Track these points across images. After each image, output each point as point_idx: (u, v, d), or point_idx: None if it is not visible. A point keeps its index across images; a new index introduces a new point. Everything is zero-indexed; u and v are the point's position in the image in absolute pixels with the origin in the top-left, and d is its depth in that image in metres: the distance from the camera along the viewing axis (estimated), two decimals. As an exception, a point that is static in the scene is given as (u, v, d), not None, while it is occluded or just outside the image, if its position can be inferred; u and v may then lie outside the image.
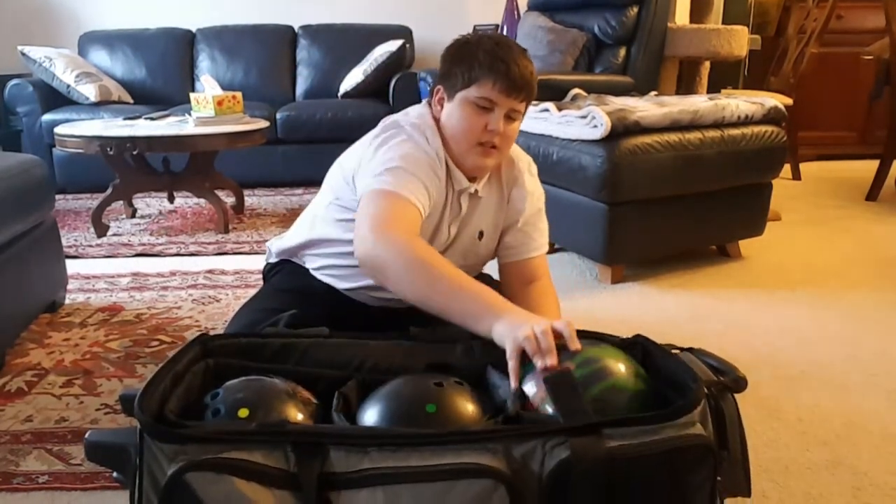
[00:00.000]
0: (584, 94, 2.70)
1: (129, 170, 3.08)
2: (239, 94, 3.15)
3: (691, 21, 3.61)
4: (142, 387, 0.82)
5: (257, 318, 1.24)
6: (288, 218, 3.25)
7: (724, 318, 2.05)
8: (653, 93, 2.86)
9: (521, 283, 1.37)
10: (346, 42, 4.30)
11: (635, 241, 2.31)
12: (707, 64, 3.37)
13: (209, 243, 2.87)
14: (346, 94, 4.09)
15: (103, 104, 3.91)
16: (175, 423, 0.77)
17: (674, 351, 0.94)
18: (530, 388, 0.88)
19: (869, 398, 1.58)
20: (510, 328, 0.92)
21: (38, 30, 4.45)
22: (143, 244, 2.88)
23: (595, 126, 2.14)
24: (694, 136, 2.27)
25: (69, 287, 2.26)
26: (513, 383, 0.89)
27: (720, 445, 0.81)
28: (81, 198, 3.79)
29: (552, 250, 2.67)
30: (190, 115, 3.10)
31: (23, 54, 3.89)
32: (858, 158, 4.54)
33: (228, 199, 3.38)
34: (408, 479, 0.73)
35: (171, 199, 3.53)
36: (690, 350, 0.94)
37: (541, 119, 2.41)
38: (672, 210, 2.34)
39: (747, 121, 2.39)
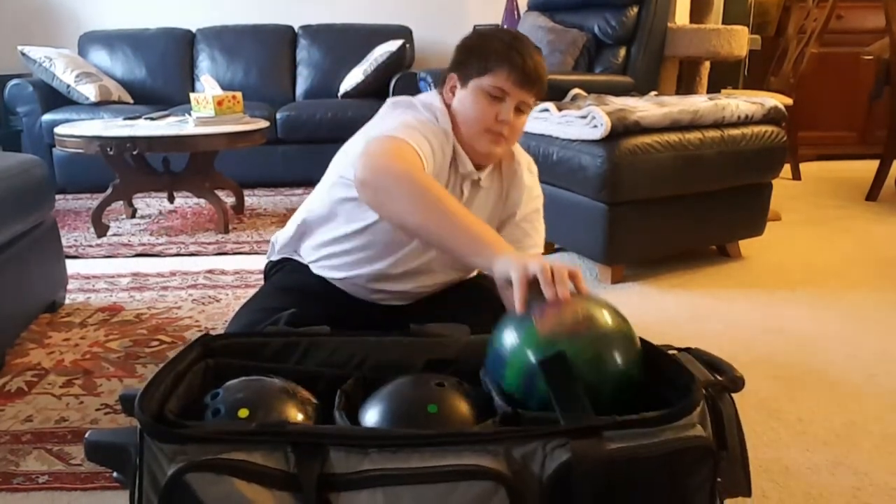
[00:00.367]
0: (584, 94, 2.70)
1: (129, 170, 3.08)
2: (239, 94, 3.15)
3: (691, 21, 3.61)
4: (142, 387, 0.82)
5: (257, 318, 1.24)
6: (288, 218, 3.24)
7: (724, 318, 2.05)
8: (653, 93, 2.86)
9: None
10: (346, 42, 4.30)
11: (635, 241, 2.31)
12: (707, 64, 3.37)
13: (209, 243, 2.87)
14: (346, 94, 4.09)
15: (103, 104, 3.91)
16: (175, 424, 0.77)
17: (671, 351, 0.94)
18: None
19: (869, 398, 1.58)
20: (518, 259, 0.91)
21: (38, 30, 4.45)
22: (143, 244, 2.88)
23: (595, 126, 2.14)
24: (694, 136, 2.27)
25: (69, 287, 2.26)
26: (519, 309, 0.87)
27: (719, 445, 0.81)
28: (81, 198, 3.79)
29: (552, 250, 2.67)
30: (190, 115, 3.10)
31: (23, 54, 3.90)
32: (858, 158, 4.55)
33: (228, 199, 3.38)
34: (408, 480, 0.73)
35: (171, 199, 3.53)
36: (688, 350, 0.94)
37: (541, 119, 2.41)
38: (672, 210, 2.34)
39: (747, 121, 2.39)
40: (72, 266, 2.39)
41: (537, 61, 1.23)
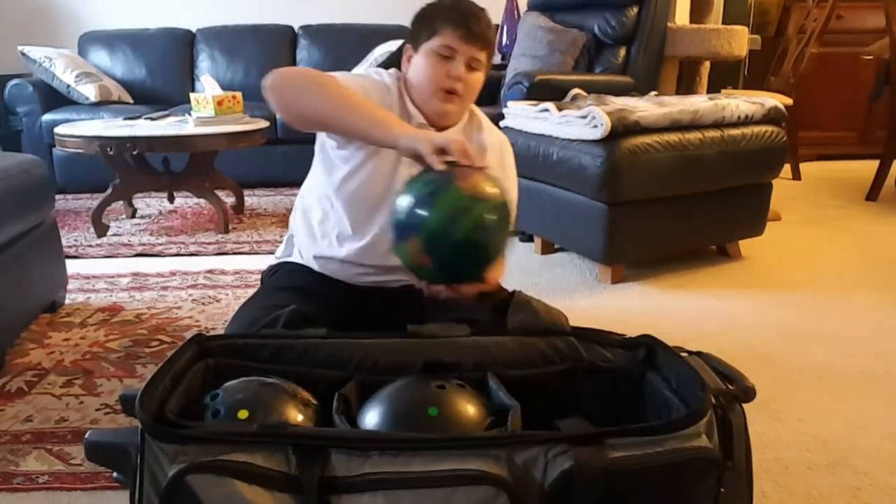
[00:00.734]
0: (584, 94, 2.70)
1: (129, 170, 3.08)
2: (239, 94, 3.15)
3: (691, 21, 3.61)
4: (142, 387, 0.82)
5: (258, 315, 1.24)
6: (288, 217, 3.25)
7: (724, 318, 2.05)
8: (653, 93, 2.86)
9: None
10: (346, 42, 4.30)
11: (635, 241, 2.31)
12: (707, 64, 3.37)
13: (209, 243, 2.87)
14: (346, 94, 4.08)
15: (103, 104, 3.90)
16: (176, 424, 0.77)
17: (682, 354, 0.93)
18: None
19: (869, 398, 1.58)
20: (423, 134, 1.06)
21: (38, 30, 4.45)
22: (143, 244, 2.88)
23: (595, 126, 2.14)
24: (694, 136, 2.27)
25: (69, 287, 2.26)
26: (438, 167, 1.00)
27: (725, 455, 0.80)
28: (81, 198, 3.79)
29: (552, 250, 2.67)
30: (190, 115, 3.09)
31: (23, 54, 3.89)
32: (858, 158, 4.55)
33: (228, 199, 3.38)
34: (409, 484, 0.73)
35: (171, 199, 3.53)
36: (699, 354, 0.94)
37: (541, 119, 2.41)
38: (672, 210, 2.34)
39: (747, 121, 2.39)
40: (72, 266, 2.39)
41: (482, 18, 1.29)
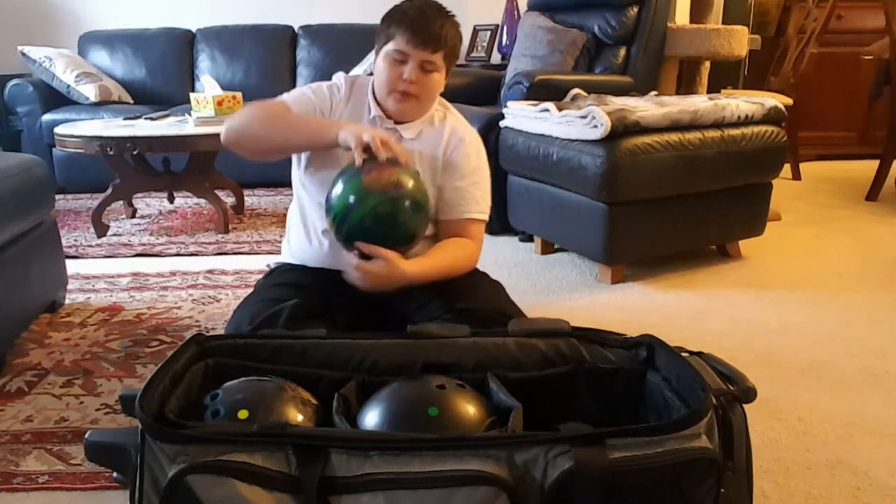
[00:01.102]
0: (584, 94, 2.70)
1: (129, 170, 3.08)
2: (239, 94, 3.15)
3: (691, 21, 3.61)
4: (142, 387, 0.82)
5: (260, 309, 1.25)
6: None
7: (724, 318, 2.05)
8: (653, 93, 2.86)
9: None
10: (346, 42, 4.30)
11: (635, 241, 2.31)
12: (707, 64, 3.37)
13: (209, 243, 2.87)
14: (346, 94, 4.08)
15: (103, 104, 3.90)
16: (177, 424, 0.77)
17: (683, 354, 0.93)
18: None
19: (869, 398, 1.58)
20: (355, 129, 1.23)
21: (38, 30, 4.45)
22: (143, 244, 2.88)
23: (595, 126, 2.14)
24: (694, 136, 2.27)
25: (69, 287, 2.26)
26: (358, 161, 1.20)
27: (725, 456, 0.80)
28: (81, 198, 3.79)
29: (552, 250, 2.67)
30: (190, 115, 3.09)
31: (23, 54, 3.89)
32: (858, 158, 4.54)
33: (228, 199, 3.38)
34: (409, 484, 0.73)
35: (171, 199, 3.53)
36: (700, 354, 0.94)
37: (541, 119, 2.41)
38: (672, 210, 2.34)
39: (747, 121, 2.39)
40: (72, 266, 2.38)
41: (437, 23, 1.34)
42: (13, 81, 3.84)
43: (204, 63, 4.30)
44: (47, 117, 3.78)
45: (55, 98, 3.89)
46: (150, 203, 3.63)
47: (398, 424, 0.84)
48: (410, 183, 1.21)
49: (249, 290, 1.48)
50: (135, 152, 2.84)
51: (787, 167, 3.72)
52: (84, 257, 2.72)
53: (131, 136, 2.79)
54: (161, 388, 0.84)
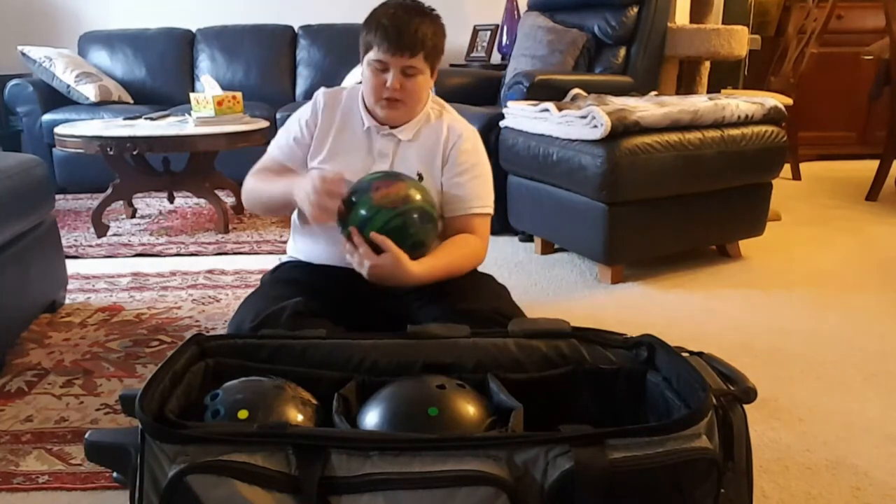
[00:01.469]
0: (584, 94, 2.70)
1: (129, 170, 3.08)
2: (239, 94, 3.14)
3: (691, 21, 3.61)
4: (142, 387, 0.82)
5: (263, 306, 1.26)
6: (287, 218, 3.25)
7: (724, 318, 2.05)
8: (653, 93, 2.86)
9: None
10: (346, 42, 4.29)
11: (635, 241, 2.31)
12: (707, 64, 3.37)
13: (209, 243, 2.87)
14: (346, 94, 4.08)
15: (103, 104, 3.90)
16: (177, 424, 0.77)
17: (683, 354, 0.93)
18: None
19: (869, 398, 1.58)
20: (300, 195, 1.27)
21: (38, 30, 4.45)
22: (143, 244, 2.88)
23: (595, 126, 2.14)
24: (694, 136, 2.27)
25: (69, 287, 2.26)
26: (312, 222, 1.29)
27: (726, 456, 0.80)
28: (81, 198, 3.79)
29: (552, 250, 2.67)
30: (190, 115, 3.09)
31: (23, 54, 3.89)
32: (858, 158, 4.55)
33: (228, 199, 3.38)
34: (409, 484, 0.73)
35: (171, 199, 3.53)
36: (700, 355, 0.93)
37: (541, 119, 2.41)
38: (672, 210, 2.34)
39: (747, 121, 2.39)
40: (72, 266, 2.38)
41: (412, 27, 1.32)
42: (13, 81, 3.84)
43: (204, 63, 4.30)
44: (47, 117, 3.77)
45: (55, 98, 3.89)
46: (150, 203, 3.63)
47: (398, 424, 0.84)
48: (418, 196, 1.25)
49: (249, 291, 1.48)
50: (135, 152, 2.84)
51: (787, 167, 3.73)
52: (84, 257, 2.72)
53: (131, 136, 2.79)
54: (161, 388, 0.84)
